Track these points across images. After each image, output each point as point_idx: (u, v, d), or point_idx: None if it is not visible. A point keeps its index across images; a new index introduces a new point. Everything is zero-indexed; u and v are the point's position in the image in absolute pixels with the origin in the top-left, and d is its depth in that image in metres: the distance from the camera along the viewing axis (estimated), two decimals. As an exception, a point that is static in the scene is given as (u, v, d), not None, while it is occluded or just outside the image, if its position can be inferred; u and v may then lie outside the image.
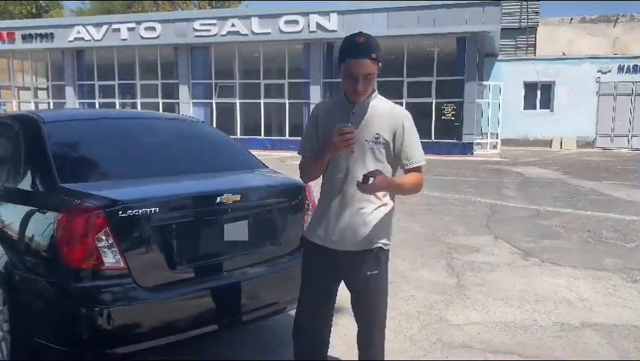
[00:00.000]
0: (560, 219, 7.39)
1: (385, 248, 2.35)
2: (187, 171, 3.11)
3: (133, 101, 22.16)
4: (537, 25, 24.46)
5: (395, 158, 2.31)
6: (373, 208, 2.29)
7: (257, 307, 2.86)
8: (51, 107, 22.94)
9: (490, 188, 10.41)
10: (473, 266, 5.12)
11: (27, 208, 2.72)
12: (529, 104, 22.63)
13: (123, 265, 2.45)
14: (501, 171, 13.54)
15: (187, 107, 20.79)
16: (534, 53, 24.08)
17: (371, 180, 2.12)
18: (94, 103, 22.44)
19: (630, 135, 21.72)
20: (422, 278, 4.72)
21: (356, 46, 2.14)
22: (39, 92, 24.45)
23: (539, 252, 5.63)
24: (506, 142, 20.82)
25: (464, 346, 3.37)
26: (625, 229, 6.68)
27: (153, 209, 2.50)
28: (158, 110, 21.50)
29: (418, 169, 2.32)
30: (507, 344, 3.40)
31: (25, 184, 2.84)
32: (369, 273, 2.31)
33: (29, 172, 2.87)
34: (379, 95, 2.35)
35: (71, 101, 22.33)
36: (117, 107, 22.20)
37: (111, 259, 2.43)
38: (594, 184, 10.93)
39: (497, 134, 20.58)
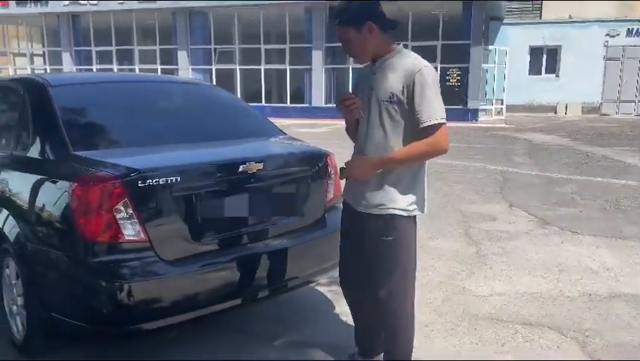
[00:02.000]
0: (574, 186, 7.26)
1: (403, 215, 2.22)
2: (205, 138, 2.93)
3: (131, 67, 21.74)
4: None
5: (412, 117, 2.16)
6: (391, 172, 2.21)
7: (282, 280, 2.74)
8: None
9: (499, 155, 10.25)
10: (491, 235, 5.01)
11: (38, 177, 2.55)
12: (535, 69, 22.24)
13: (143, 237, 2.30)
14: (508, 138, 13.36)
15: (187, 74, 20.39)
16: (540, 16, 23.49)
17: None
18: (92, 69, 22.01)
19: (637, 101, 21.43)
20: (440, 247, 4.61)
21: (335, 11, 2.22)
22: (35, 58, 23.97)
23: (557, 220, 5.51)
24: (510, 108, 20.51)
25: (492, 318, 3.27)
26: (642, 197, 6.55)
27: (174, 178, 2.34)
28: (157, 77, 21.13)
29: (432, 129, 2.11)
30: (536, 316, 3.29)
31: (35, 152, 2.68)
32: (384, 238, 2.24)
33: (38, 139, 2.69)
34: (404, 51, 2.24)
35: (69, 67, 21.91)
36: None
37: (130, 231, 2.28)
38: (604, 150, 10.76)
39: (502, 100, 20.30)
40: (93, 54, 21.93)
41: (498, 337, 3.03)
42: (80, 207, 2.27)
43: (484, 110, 19.24)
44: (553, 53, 21.98)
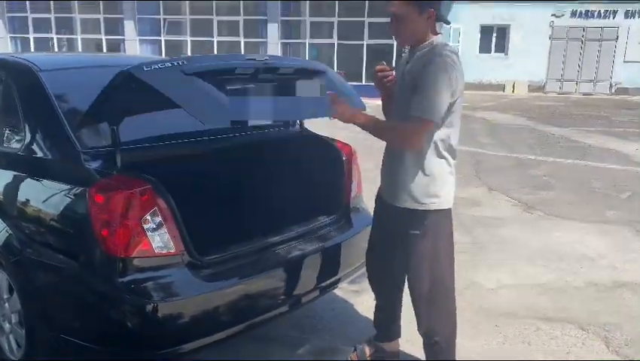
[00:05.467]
0: (545, 168, 7.40)
1: (431, 209, 2.15)
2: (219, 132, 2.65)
3: (72, 36, 20.37)
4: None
5: None
6: (416, 162, 2.13)
7: (323, 281, 2.58)
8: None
9: (462, 134, 10.22)
10: (480, 221, 5.00)
11: (39, 178, 2.22)
12: (485, 47, 22.62)
13: (174, 250, 2.04)
14: (466, 117, 13.39)
15: (134, 45, 19.38)
16: (489, -6, 23.77)
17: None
18: (27, 38, 20.48)
19: (579, 80, 22.27)
20: (436, 236, 4.53)
21: None
22: (-38, 24, 21.99)
23: (539, 204, 5.58)
24: (461, 86, 20.78)
25: (510, 314, 3.22)
26: (611, 179, 6.75)
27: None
28: (102, 48, 19.94)
29: (413, 120, 2.03)
30: (552, 310, 3.27)
31: (31, 149, 2.32)
32: (411, 232, 2.18)
33: (34, 135, 2.33)
34: (439, 46, 2.08)
35: (2, 35, 20.27)
36: (55, 42, 20.40)
37: (159, 243, 2.01)
38: (561, 130, 11.08)
39: (454, 78, 20.51)
40: (29, 21, 20.35)
41: (522, 335, 2.98)
42: (100, 218, 1.96)
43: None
44: (502, 32, 22.41)
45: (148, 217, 1.98)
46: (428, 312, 2.27)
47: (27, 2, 20.05)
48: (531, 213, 5.29)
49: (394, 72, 2.25)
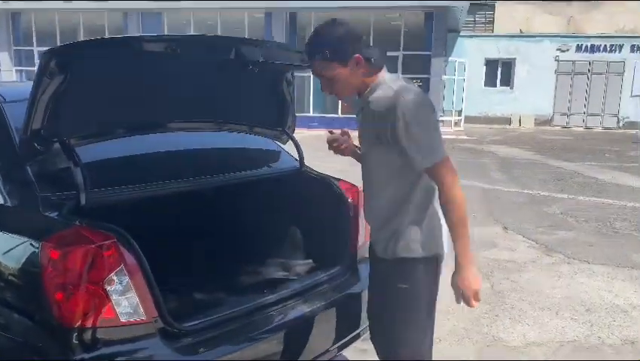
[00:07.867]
0: (560, 205, 7.03)
1: (418, 256, 1.91)
2: (204, 172, 2.32)
3: (77, 69, 20.39)
4: (496, 0, 24.14)
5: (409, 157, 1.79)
6: (393, 212, 1.89)
7: (331, 344, 2.19)
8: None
9: (473, 170, 9.98)
10: (498, 265, 4.61)
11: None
12: (490, 81, 22.52)
13: (145, 317, 1.68)
14: (475, 151, 13.22)
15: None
16: (492, 29, 23.85)
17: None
18: (33, 71, 20.50)
19: (585, 114, 22.06)
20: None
21: (306, 48, 1.87)
22: (-32, 57, 22.14)
23: (559, 246, 5.19)
24: (466, 119, 20.63)
25: (540, 378, 2.82)
26: (633, 218, 6.36)
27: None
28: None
29: (432, 171, 1.77)
30: (588, 374, 2.88)
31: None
32: (399, 285, 1.93)
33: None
34: (386, 84, 1.83)
35: (7, 67, 20.33)
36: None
37: (127, 309, 1.66)
38: (573, 165, 10.74)
39: (459, 111, 20.38)
40: (35, 54, 20.39)
41: (557, 406, 2.58)
42: (54, 278, 1.62)
43: (442, 121, 19.20)
44: (508, 66, 22.35)
45: (113, 277, 1.63)
46: None
47: (34, 35, 20.17)
48: (551, 256, 4.90)
49: (347, 137, 2.12)
